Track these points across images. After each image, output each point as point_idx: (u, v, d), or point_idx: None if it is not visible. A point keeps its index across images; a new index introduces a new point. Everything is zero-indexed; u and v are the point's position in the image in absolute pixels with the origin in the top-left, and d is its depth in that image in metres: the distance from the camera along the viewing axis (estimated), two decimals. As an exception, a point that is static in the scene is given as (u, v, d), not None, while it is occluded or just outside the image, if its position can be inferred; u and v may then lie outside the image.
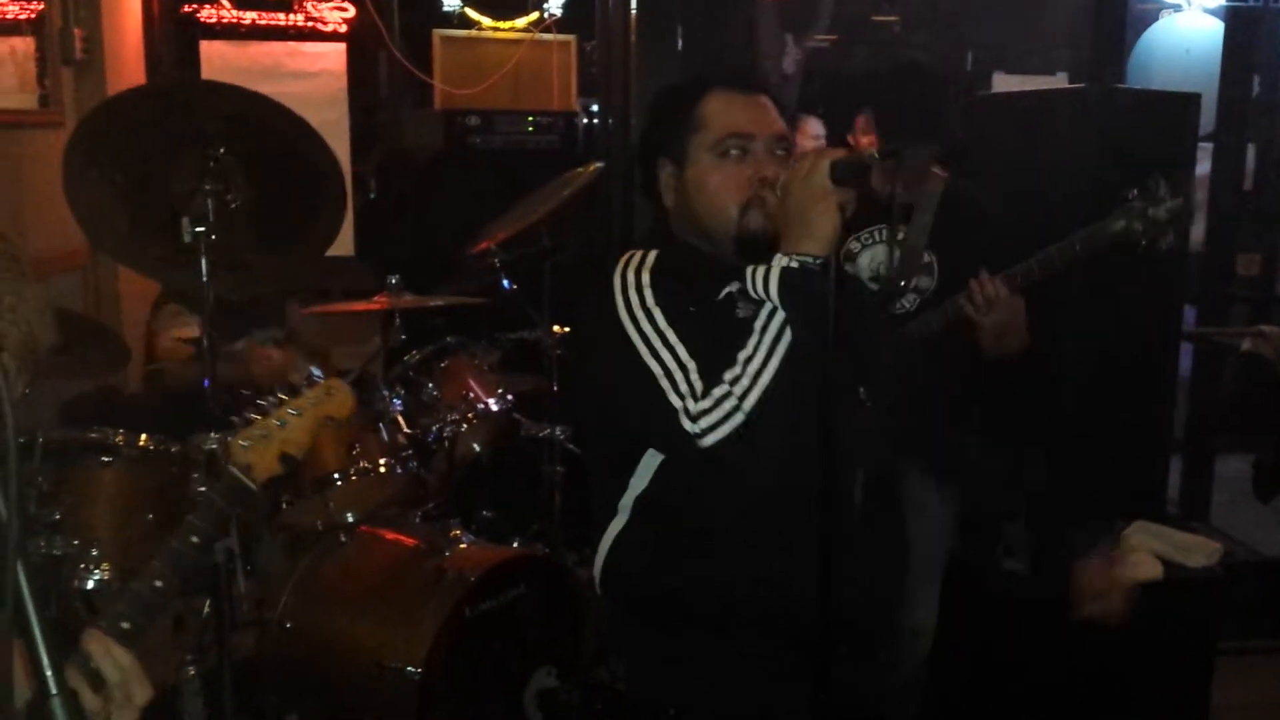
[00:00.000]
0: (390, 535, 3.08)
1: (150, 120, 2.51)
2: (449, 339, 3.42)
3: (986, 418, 2.98)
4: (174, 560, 1.57)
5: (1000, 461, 2.97)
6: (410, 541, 3.04)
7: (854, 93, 2.98)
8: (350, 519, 3.07)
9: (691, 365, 1.69)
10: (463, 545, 2.96)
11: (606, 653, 3.38)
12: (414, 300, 3.27)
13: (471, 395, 3.35)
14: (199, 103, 2.55)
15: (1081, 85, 4.34)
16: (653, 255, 1.82)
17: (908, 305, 2.63)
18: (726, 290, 1.79)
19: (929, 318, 2.55)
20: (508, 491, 3.76)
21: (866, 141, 2.68)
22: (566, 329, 3.63)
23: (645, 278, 1.78)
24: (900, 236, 2.61)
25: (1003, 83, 5.08)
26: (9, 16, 3.84)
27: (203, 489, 1.65)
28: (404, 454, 3.06)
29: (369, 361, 3.16)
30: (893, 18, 6.19)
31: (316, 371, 1.74)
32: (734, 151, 1.81)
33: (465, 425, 3.30)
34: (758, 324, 1.68)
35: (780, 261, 1.66)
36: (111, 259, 2.99)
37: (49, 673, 0.96)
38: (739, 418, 1.65)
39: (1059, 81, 5.02)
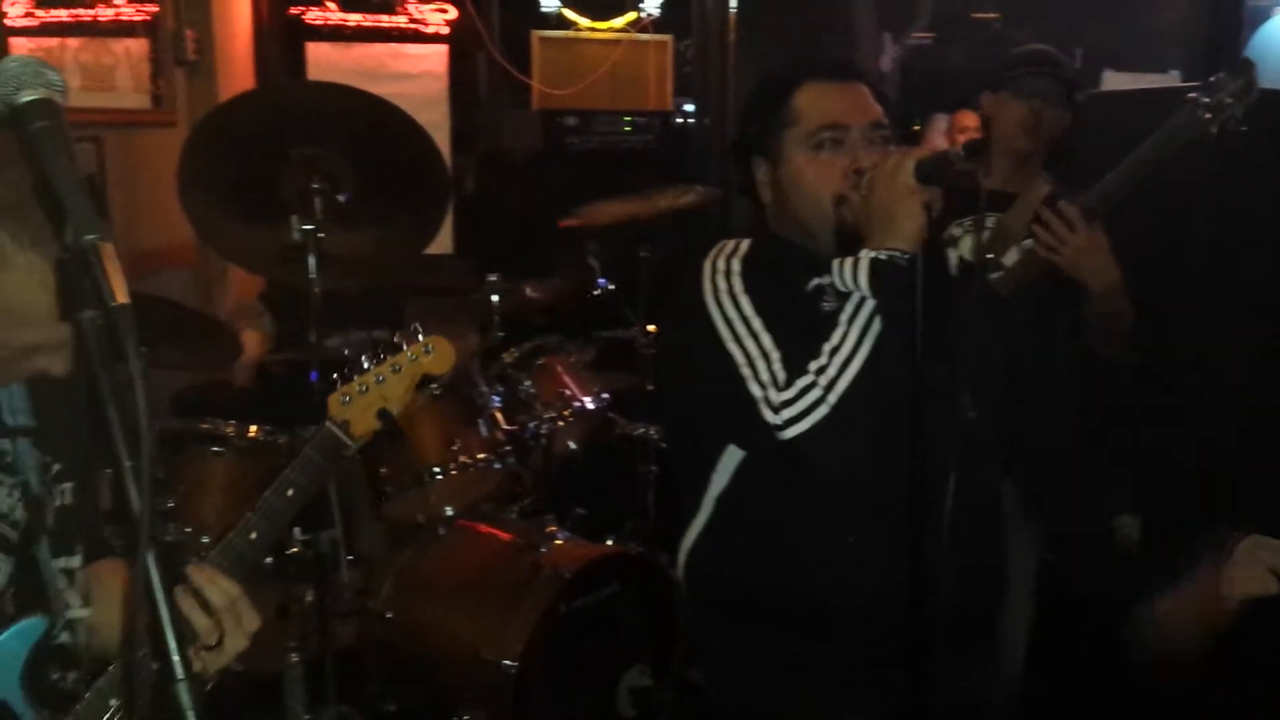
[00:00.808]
0: (487, 529, 3.13)
1: (262, 123, 2.58)
2: (546, 337, 3.45)
3: (1095, 423, 2.91)
4: (269, 514, 1.58)
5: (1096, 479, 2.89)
6: (506, 537, 3.08)
7: (983, 81, 2.94)
8: (449, 512, 3.12)
9: (775, 355, 1.66)
10: (558, 541, 3.00)
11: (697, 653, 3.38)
12: (515, 297, 3.31)
13: (567, 393, 3.37)
14: (308, 104, 2.62)
15: (1195, 84, 4.20)
16: (746, 244, 1.81)
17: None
18: (815, 282, 1.76)
19: (1011, 272, 2.51)
20: (602, 489, 3.78)
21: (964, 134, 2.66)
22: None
23: (736, 265, 1.76)
24: (992, 223, 2.58)
25: (1113, 81, 4.94)
26: (124, 18, 3.98)
27: (306, 448, 1.64)
28: (502, 450, 3.09)
29: (469, 357, 3.20)
30: (994, 15, 6.07)
31: (418, 327, 1.72)
32: (828, 143, 1.77)
33: (561, 423, 3.32)
34: (844, 315, 1.65)
35: (868, 254, 1.63)
36: (223, 258, 3.07)
37: (175, 657, 0.96)
38: (823, 410, 1.61)
39: (1171, 80, 4.86)
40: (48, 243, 1.22)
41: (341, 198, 2.59)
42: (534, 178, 4.77)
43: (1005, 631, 2.75)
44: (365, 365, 1.67)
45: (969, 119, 4.25)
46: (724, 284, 1.74)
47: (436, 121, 4.63)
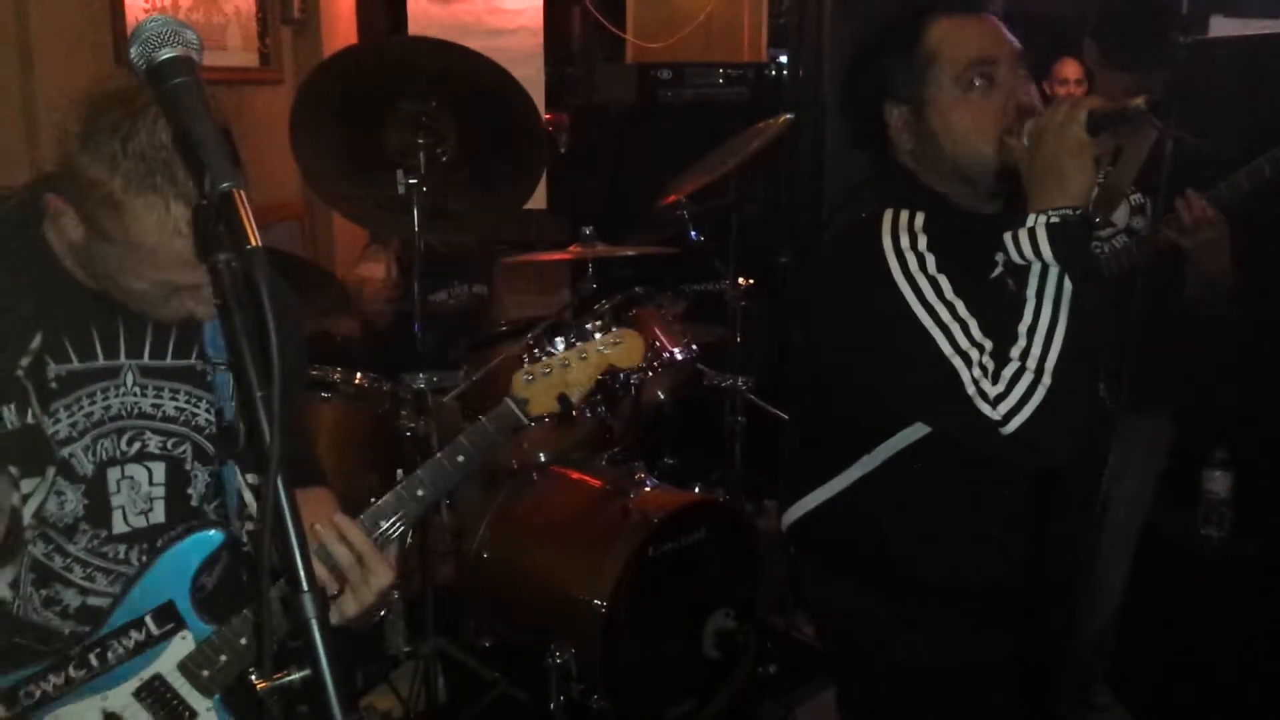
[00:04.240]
0: (578, 475, 3.22)
1: (367, 78, 2.66)
2: (637, 289, 3.49)
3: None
4: (437, 475, 1.62)
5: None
6: (596, 483, 3.17)
7: (1077, 24, 2.87)
8: (542, 458, 3.21)
9: (988, 344, 1.54)
10: (646, 488, 3.08)
11: (782, 601, 3.44)
12: (607, 250, 3.36)
13: (658, 344, 3.42)
14: (412, 60, 2.69)
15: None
16: (920, 217, 1.64)
17: (1103, 247, 2.57)
18: (1000, 261, 1.65)
19: (1130, 247, 2.49)
20: (689, 439, 3.84)
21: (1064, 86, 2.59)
22: (752, 281, 3.67)
23: (922, 241, 1.61)
24: (1102, 178, 2.54)
25: (1221, 27, 4.77)
26: (233, -22, 4.09)
27: (480, 418, 1.67)
28: (593, 399, 3.16)
29: (562, 310, 3.27)
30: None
31: (609, 320, 1.75)
32: (979, 81, 1.65)
33: (651, 373, 3.38)
34: (1030, 290, 1.55)
35: (1040, 220, 1.53)
36: (331, 208, 3.18)
37: (301, 570, 1.02)
38: (1040, 392, 1.50)
39: (1284, 26, 4.68)
40: (165, 189, 1.32)
41: (444, 152, 2.67)
42: (627, 131, 4.78)
43: (1104, 578, 2.78)
44: (553, 349, 1.68)
45: (1070, 69, 4.16)
46: (914, 262, 1.60)
47: (531, 76, 4.66)
